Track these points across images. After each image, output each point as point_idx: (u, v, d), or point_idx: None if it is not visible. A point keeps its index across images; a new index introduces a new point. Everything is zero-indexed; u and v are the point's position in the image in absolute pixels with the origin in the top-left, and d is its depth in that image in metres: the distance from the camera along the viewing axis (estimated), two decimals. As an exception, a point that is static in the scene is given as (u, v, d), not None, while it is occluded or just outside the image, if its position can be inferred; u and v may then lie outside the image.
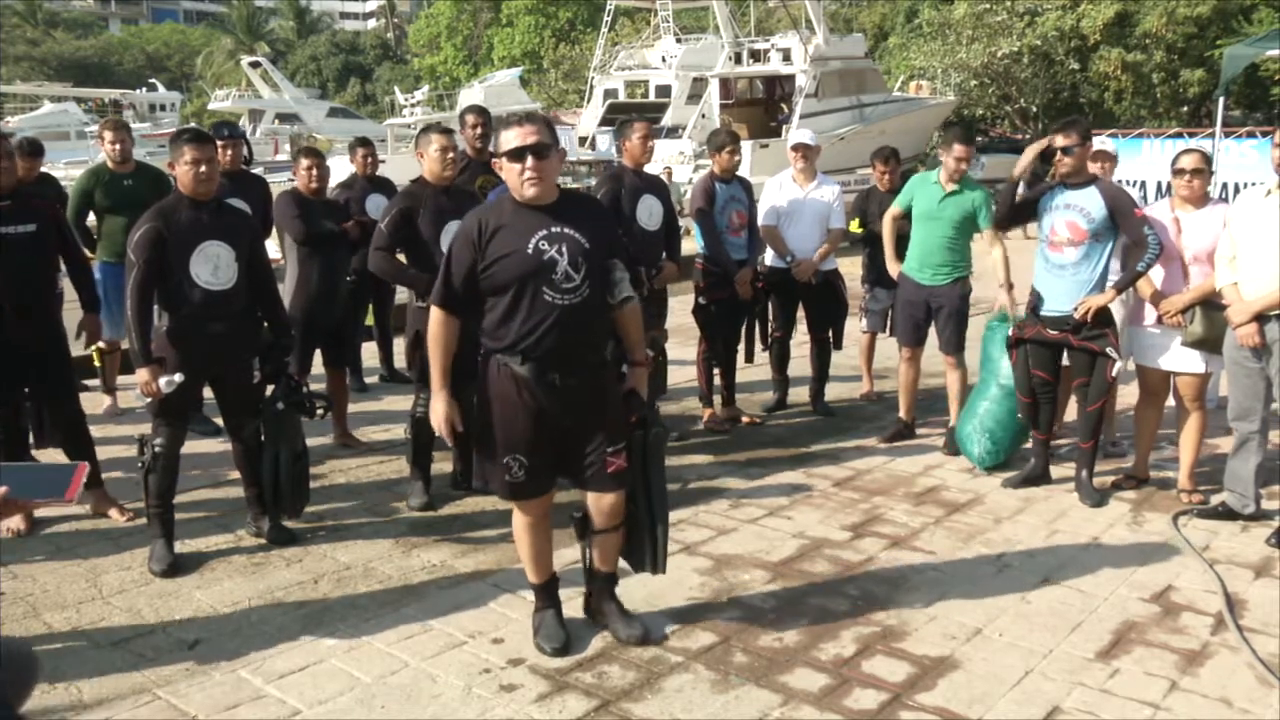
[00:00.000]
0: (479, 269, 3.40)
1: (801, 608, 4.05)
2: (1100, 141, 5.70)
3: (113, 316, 5.94)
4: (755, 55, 29.31)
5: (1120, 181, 6.77)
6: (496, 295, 3.42)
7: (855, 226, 7.00)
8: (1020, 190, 5.24)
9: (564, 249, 3.38)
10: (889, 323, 6.93)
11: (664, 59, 31.50)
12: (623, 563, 3.83)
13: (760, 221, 6.50)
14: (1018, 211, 5.25)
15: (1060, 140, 5.03)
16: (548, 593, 3.76)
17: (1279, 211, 4.51)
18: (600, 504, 3.63)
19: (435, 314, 3.53)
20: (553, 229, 3.40)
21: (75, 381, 5.23)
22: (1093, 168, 5.43)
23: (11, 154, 4.73)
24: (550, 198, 3.44)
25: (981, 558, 4.53)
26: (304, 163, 6.03)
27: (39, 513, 4.73)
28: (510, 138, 3.37)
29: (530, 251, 3.36)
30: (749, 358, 6.86)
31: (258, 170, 8.65)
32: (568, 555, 4.17)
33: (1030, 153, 5.23)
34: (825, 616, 3.97)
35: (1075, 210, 5.02)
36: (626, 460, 3.58)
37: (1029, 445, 5.60)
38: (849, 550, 4.62)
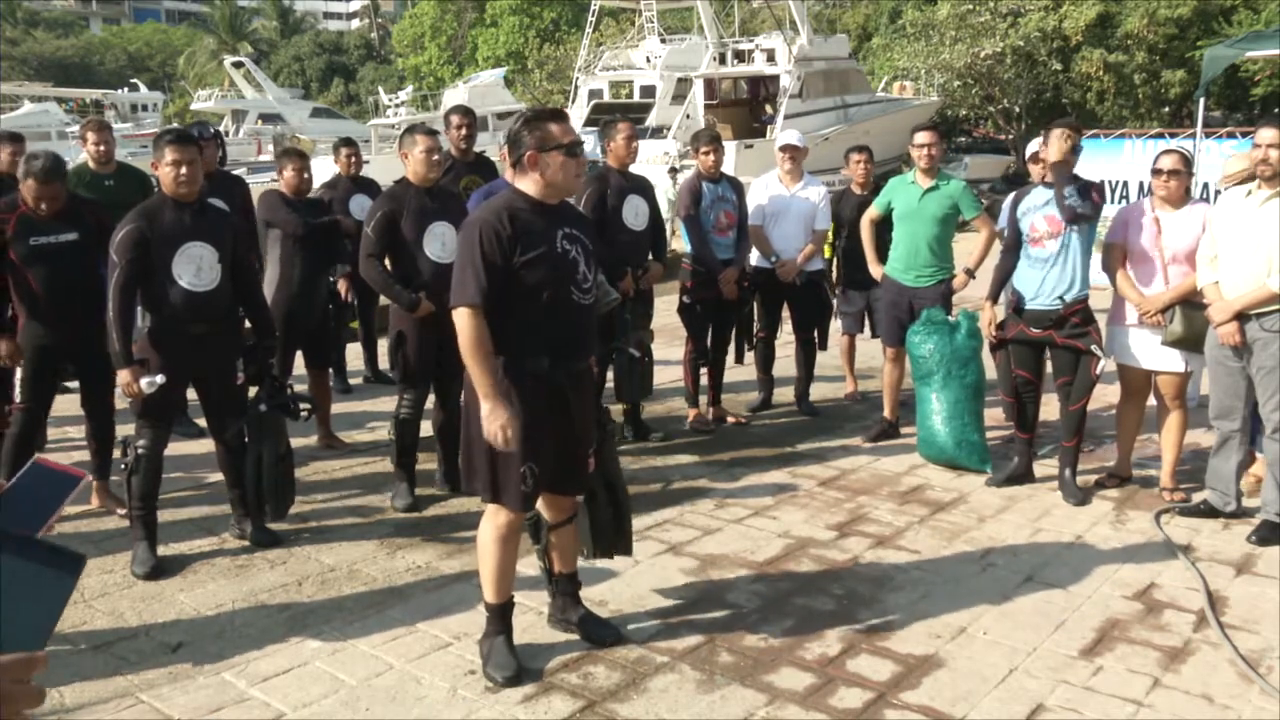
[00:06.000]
0: (514, 266, 3.23)
1: (786, 607, 4.06)
2: (1036, 145, 5.77)
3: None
4: (740, 56, 29.31)
5: (1103, 181, 6.82)
6: (527, 296, 3.27)
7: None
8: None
9: (579, 249, 3.37)
10: (865, 324, 6.97)
11: (648, 59, 31.41)
12: (599, 567, 3.82)
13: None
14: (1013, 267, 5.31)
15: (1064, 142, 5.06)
16: (503, 616, 3.56)
17: (1259, 211, 4.55)
18: (563, 502, 3.66)
19: (467, 316, 3.20)
20: (566, 229, 3.36)
21: (112, 380, 5.29)
22: (1035, 167, 5.72)
23: (64, 175, 4.73)
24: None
25: (965, 556, 4.55)
26: (293, 164, 5.98)
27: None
28: (564, 131, 3.30)
29: (559, 250, 3.31)
30: (739, 358, 6.87)
31: (239, 171, 8.61)
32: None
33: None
34: (810, 616, 3.98)
35: (1054, 204, 5.04)
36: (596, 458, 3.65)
37: (1010, 443, 5.64)
38: (834, 550, 4.63)
